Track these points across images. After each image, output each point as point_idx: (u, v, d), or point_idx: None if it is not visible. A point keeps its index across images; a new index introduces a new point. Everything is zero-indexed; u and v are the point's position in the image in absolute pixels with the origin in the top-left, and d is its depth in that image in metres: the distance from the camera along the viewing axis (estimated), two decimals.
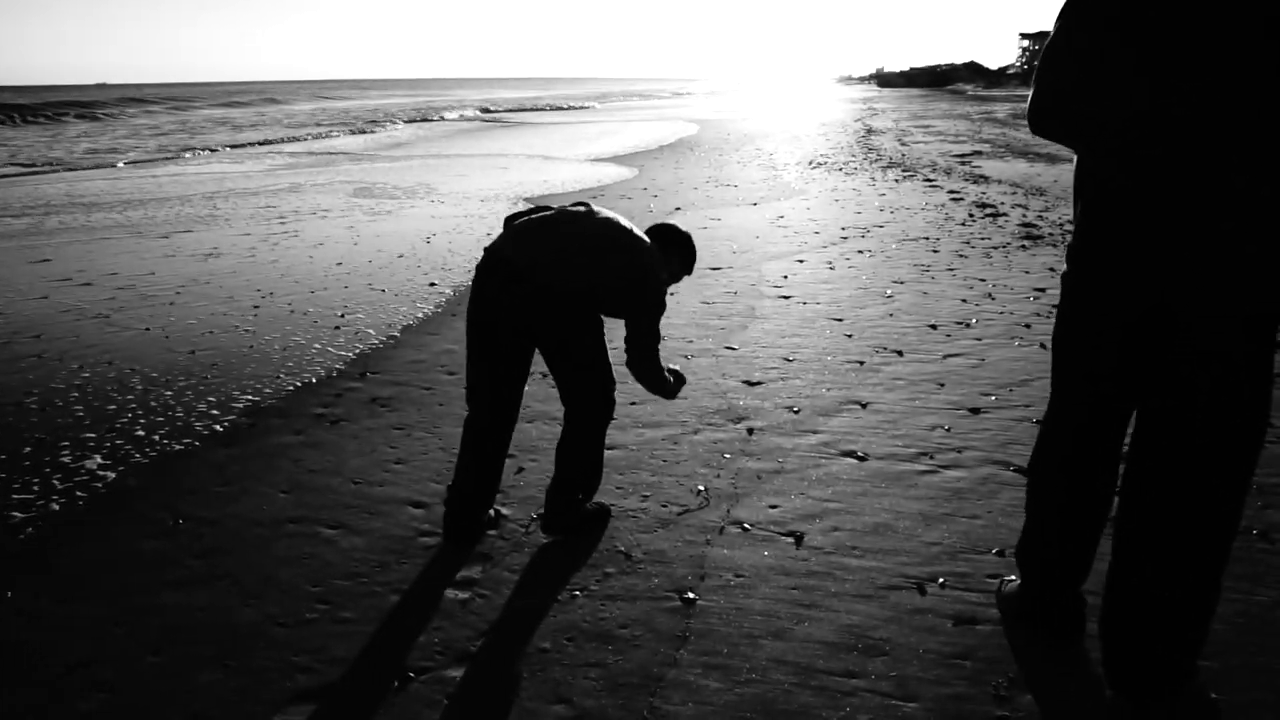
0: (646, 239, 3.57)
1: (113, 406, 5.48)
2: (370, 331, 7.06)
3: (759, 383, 5.54)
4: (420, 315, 7.53)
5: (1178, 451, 2.38)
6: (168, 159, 25.40)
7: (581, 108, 60.03)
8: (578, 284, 3.36)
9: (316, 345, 6.71)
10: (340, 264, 9.67)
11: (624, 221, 3.55)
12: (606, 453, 4.30)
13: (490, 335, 3.46)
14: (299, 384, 5.86)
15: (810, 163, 19.24)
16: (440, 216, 12.96)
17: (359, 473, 4.44)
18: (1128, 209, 2.32)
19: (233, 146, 29.92)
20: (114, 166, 23.04)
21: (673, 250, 3.78)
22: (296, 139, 33.12)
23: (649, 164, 19.93)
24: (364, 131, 37.29)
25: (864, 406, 5.09)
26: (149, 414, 5.35)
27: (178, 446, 4.88)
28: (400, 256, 10.04)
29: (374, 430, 5.00)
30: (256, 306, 7.86)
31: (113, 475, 4.54)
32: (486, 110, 55.41)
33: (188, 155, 26.46)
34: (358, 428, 5.04)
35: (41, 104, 53.54)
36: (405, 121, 43.79)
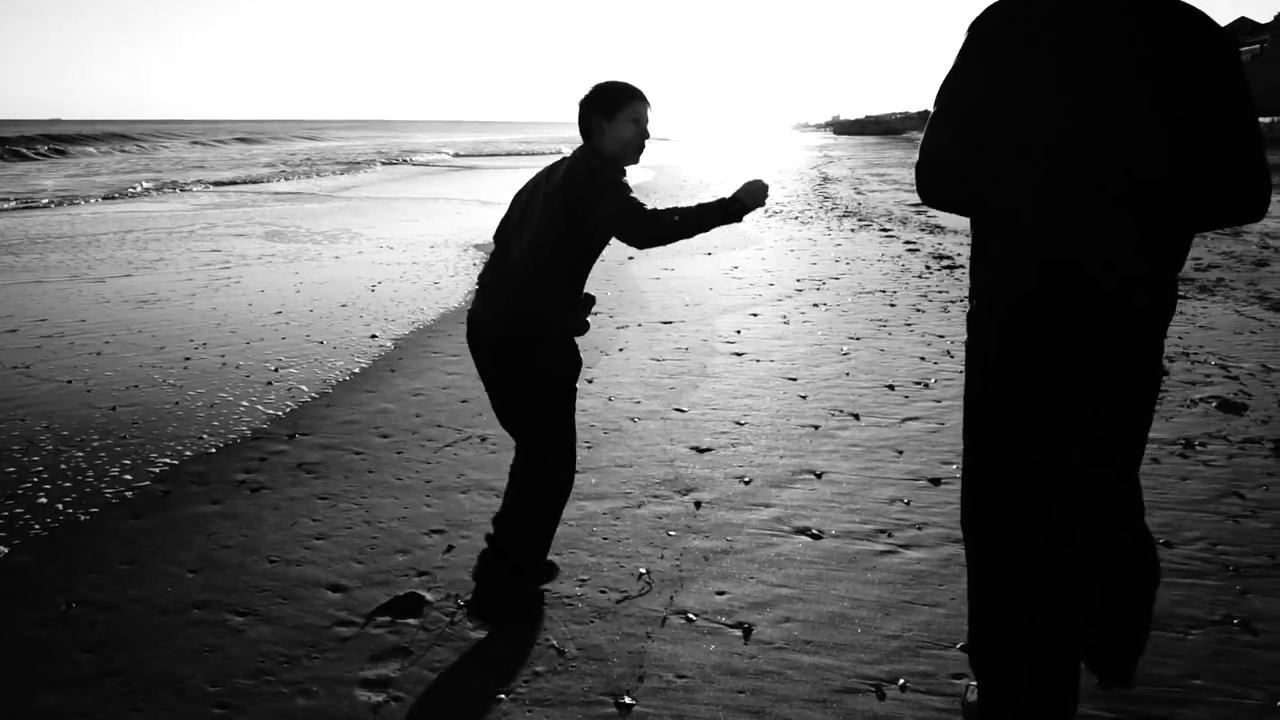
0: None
1: (14, 470, 5.10)
2: (303, 388, 6.72)
3: (709, 449, 5.27)
4: (357, 369, 7.21)
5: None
6: (123, 196, 24.87)
7: (545, 153, 60.04)
8: (513, 333, 3.26)
9: (245, 402, 6.36)
10: (279, 313, 9.33)
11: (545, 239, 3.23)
12: None
13: (490, 392, 3.50)
14: (222, 445, 5.52)
15: (766, 211, 19.13)
16: (387, 263, 12.66)
17: (276, 549, 4.10)
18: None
19: (215, 184, 29.46)
20: (46, 206, 22.46)
21: (594, 128, 3.30)
22: (283, 177, 32.72)
23: None
24: (347, 172, 37.16)
25: (819, 476, 4.84)
26: (55, 478, 4.98)
27: (83, 517, 4.52)
28: (343, 306, 9.72)
29: (297, 500, 4.66)
30: (187, 358, 7.50)
31: (5, 550, 4.17)
32: (458, 155, 55.27)
33: (155, 193, 25.95)
34: (279, 497, 4.71)
35: None
36: (383, 164, 43.56)
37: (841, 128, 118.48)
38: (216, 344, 7.98)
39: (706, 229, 3.13)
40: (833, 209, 19.84)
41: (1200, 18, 2.18)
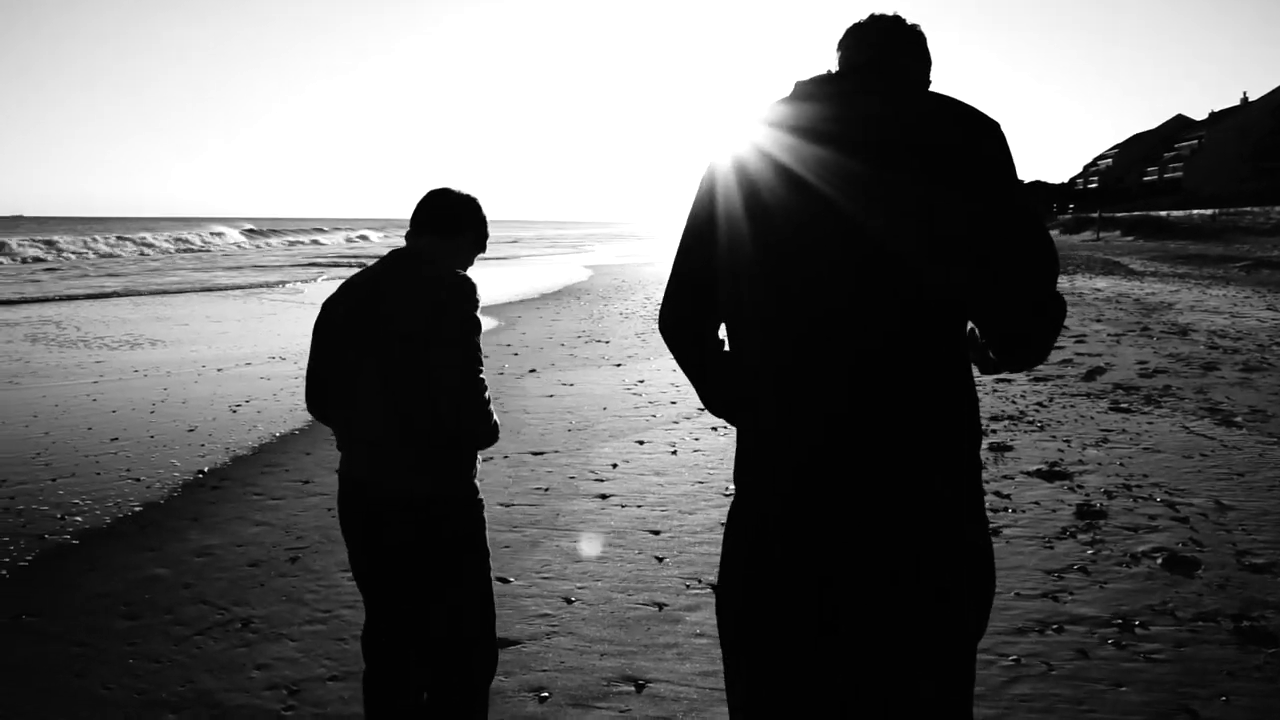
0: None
1: None
2: (73, 541, 5.59)
3: (515, 642, 4.19)
4: (155, 512, 6.08)
5: None
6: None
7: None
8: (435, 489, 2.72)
9: None
10: (116, 439, 8.19)
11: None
12: None
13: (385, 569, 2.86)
14: None
15: None
16: (270, 376, 11.57)
17: None
18: None
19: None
20: None
21: (464, 234, 2.87)
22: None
23: (526, 314, 18.76)
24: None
25: (639, 689, 3.77)
26: None
27: None
28: (190, 430, 8.59)
29: None
30: None
31: None
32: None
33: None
34: None
35: None
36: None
37: None
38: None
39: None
40: None
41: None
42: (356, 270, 3.01)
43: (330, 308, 2.79)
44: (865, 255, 1.80)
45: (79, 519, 6.01)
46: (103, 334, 16.02)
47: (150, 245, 53.25)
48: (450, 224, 2.83)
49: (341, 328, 2.73)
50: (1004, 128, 1.86)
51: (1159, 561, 4.98)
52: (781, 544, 1.91)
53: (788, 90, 2.02)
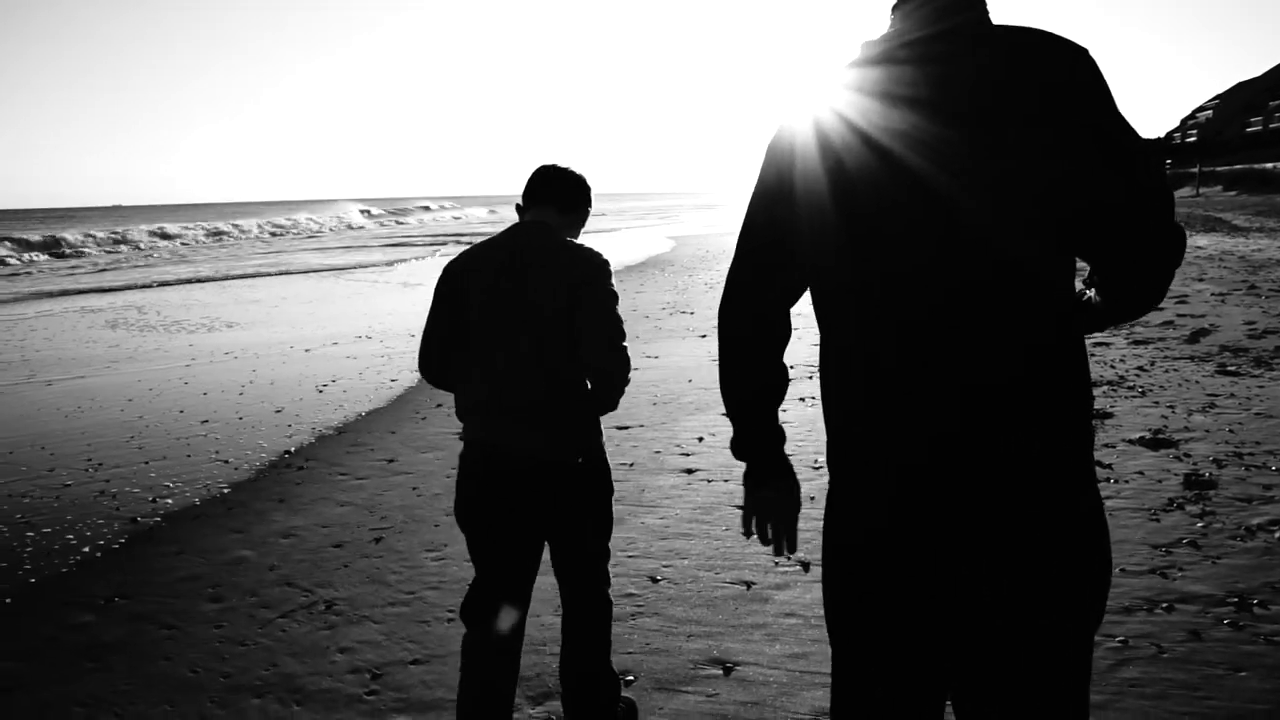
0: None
1: None
2: (163, 525, 5.64)
3: None
4: (243, 492, 6.11)
5: None
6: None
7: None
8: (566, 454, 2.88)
9: (88, 529, 5.28)
10: (206, 421, 8.30)
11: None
12: None
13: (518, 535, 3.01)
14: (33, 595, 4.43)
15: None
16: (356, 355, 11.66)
17: None
18: None
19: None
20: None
21: (579, 210, 3.08)
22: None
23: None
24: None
25: (727, 672, 3.63)
26: None
27: None
28: (277, 411, 8.67)
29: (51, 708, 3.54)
30: (50, 470, 6.46)
31: None
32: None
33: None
34: (33, 700, 3.59)
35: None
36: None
37: None
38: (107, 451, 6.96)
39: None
40: None
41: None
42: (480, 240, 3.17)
43: (458, 277, 2.88)
44: (946, 220, 1.65)
45: (169, 501, 6.07)
46: (186, 318, 16.35)
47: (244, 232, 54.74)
48: (571, 200, 3.00)
49: (483, 301, 2.81)
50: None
51: (1277, 535, 4.66)
52: (905, 522, 1.74)
53: (856, 53, 1.84)
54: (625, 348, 2.81)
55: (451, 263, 2.94)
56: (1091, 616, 1.77)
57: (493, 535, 2.87)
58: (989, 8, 1.84)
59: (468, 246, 3.02)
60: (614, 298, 2.82)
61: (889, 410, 1.73)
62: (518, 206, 3.02)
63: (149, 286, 24.32)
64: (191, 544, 5.31)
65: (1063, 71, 1.65)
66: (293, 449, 7.27)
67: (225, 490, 6.29)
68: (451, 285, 2.88)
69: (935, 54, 1.77)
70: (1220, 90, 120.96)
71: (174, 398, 9.36)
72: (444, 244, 40.39)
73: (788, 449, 6.38)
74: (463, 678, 2.88)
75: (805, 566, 4.56)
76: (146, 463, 6.98)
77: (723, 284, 1.99)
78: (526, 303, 2.75)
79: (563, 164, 3.05)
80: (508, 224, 3.02)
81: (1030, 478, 1.67)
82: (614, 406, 2.89)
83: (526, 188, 3.00)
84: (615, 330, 2.78)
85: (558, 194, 2.97)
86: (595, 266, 2.80)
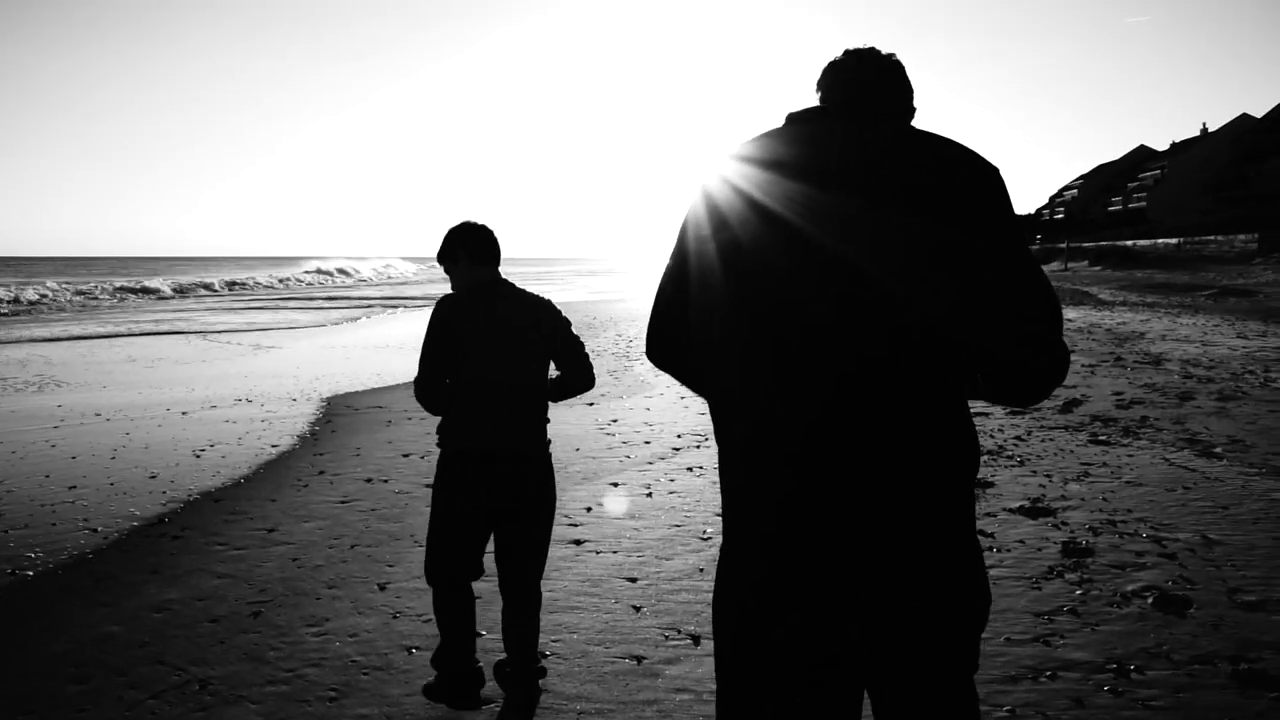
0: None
1: None
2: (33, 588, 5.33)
3: (488, 701, 4.01)
4: (109, 564, 5.83)
5: None
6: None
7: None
8: (536, 449, 3.98)
9: None
10: (113, 456, 7.92)
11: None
12: None
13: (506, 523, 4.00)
14: None
15: None
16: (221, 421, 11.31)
17: None
18: None
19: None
20: None
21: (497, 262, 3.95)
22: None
23: None
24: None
25: None
26: None
27: None
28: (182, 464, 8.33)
29: None
30: None
31: None
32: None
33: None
34: None
35: None
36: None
37: None
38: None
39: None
40: None
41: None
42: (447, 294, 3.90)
43: (451, 322, 3.69)
44: (844, 281, 1.72)
45: (29, 573, 5.76)
46: (63, 376, 15.68)
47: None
48: (498, 256, 3.88)
49: (479, 341, 3.69)
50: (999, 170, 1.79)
51: (1150, 601, 4.87)
52: (772, 570, 1.79)
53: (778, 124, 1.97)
54: (587, 355, 4.10)
55: (442, 314, 3.70)
56: (970, 651, 1.83)
57: (467, 520, 3.77)
58: (902, 95, 1.99)
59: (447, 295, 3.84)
60: (570, 323, 3.98)
61: (771, 463, 1.79)
62: (446, 255, 3.87)
63: (21, 342, 23.24)
64: (54, 619, 5.04)
65: (966, 176, 1.75)
66: (167, 517, 6.99)
67: (93, 561, 6.00)
68: (454, 330, 3.68)
69: (814, 125, 1.90)
70: (1084, 170, 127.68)
71: (38, 461, 8.91)
72: (372, 306, 39.66)
73: (674, 520, 6.43)
74: (441, 620, 3.89)
75: (695, 640, 4.56)
76: (6, 531, 6.62)
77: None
78: (517, 342, 3.74)
79: (475, 222, 3.88)
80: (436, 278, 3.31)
81: (908, 534, 1.74)
82: (592, 385, 4.07)
83: (472, 246, 3.80)
84: (580, 344, 4.01)
85: (496, 253, 3.86)
86: (550, 306, 3.92)
